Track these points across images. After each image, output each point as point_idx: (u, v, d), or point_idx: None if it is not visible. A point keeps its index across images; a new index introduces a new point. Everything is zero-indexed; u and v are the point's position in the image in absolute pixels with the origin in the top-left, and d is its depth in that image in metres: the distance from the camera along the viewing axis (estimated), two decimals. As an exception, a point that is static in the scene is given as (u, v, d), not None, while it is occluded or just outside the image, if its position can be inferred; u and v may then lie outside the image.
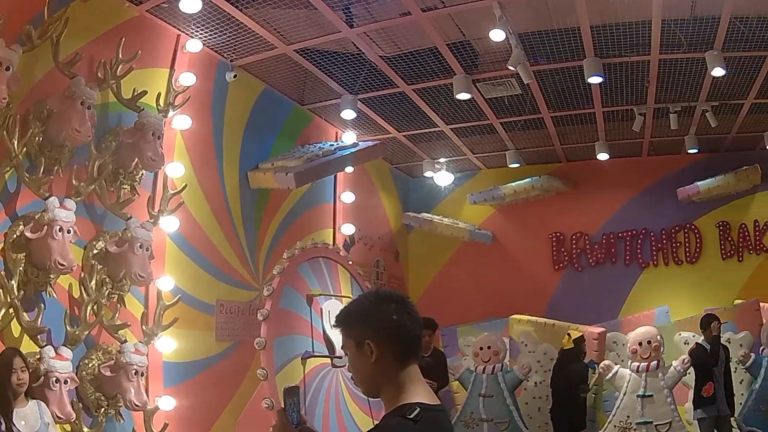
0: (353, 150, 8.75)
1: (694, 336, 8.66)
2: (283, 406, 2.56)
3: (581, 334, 8.26)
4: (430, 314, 11.49)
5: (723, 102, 9.43)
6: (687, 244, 12.15)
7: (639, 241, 12.23)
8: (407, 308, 2.44)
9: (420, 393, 2.32)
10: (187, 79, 6.33)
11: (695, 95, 9.13)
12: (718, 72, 7.66)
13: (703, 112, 9.51)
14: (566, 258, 12.40)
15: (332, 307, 6.84)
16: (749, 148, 11.79)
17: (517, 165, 11.57)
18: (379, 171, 11.66)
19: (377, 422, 2.34)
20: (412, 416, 2.17)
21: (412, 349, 2.41)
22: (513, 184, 11.94)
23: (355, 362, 2.42)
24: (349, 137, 9.27)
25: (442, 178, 11.54)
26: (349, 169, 9.37)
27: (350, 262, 7.76)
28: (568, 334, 8.22)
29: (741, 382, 8.31)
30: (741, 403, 8.11)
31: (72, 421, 4.72)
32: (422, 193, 12.68)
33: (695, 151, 11.10)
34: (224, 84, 7.18)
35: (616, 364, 8.19)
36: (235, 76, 7.15)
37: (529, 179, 11.86)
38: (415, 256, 12.77)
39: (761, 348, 8.18)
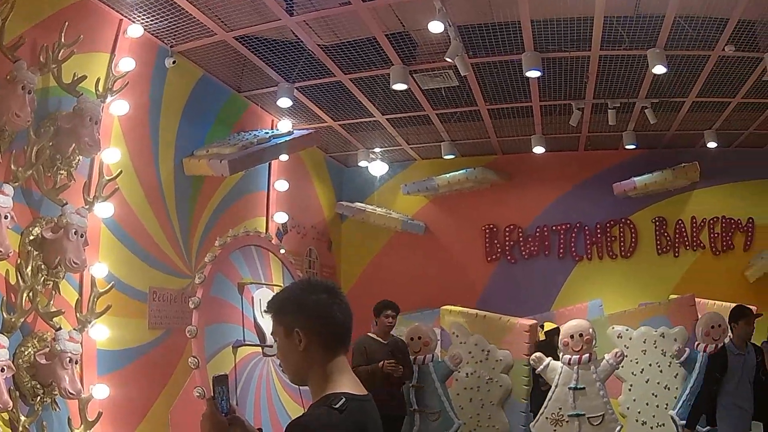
0: (288, 138, 9.14)
1: (627, 329, 9.28)
2: (212, 394, 2.64)
3: (555, 326, 8.63)
4: (361, 304, 11.87)
5: (663, 99, 10.07)
6: (622, 239, 12.92)
7: (573, 235, 12.95)
8: (338, 298, 2.57)
9: (346, 383, 2.45)
10: (126, 64, 6.60)
11: (635, 92, 9.75)
12: (660, 70, 8.21)
13: (642, 109, 10.15)
14: (499, 250, 13.04)
15: (263, 296, 7.27)
16: (689, 145, 12.60)
17: (452, 156, 12.14)
18: (314, 160, 12.10)
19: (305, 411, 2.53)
20: (337, 406, 2.29)
21: (340, 340, 2.55)
22: (447, 175, 12.51)
23: (283, 350, 2.56)
24: (284, 125, 9.67)
25: (377, 168, 12.06)
26: (284, 157, 9.72)
27: (282, 251, 8.20)
28: (541, 326, 8.75)
29: (676, 377, 8.83)
30: (676, 398, 8.59)
31: (9, 409, 4.87)
32: (356, 183, 13.19)
33: (633, 147, 11.77)
34: (163, 70, 7.42)
35: (548, 356, 8.60)
36: (174, 62, 7.40)
37: (464, 171, 12.45)
38: (348, 245, 13.27)
39: (695, 343, 8.62)
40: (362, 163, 12.32)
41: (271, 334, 2.64)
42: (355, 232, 13.24)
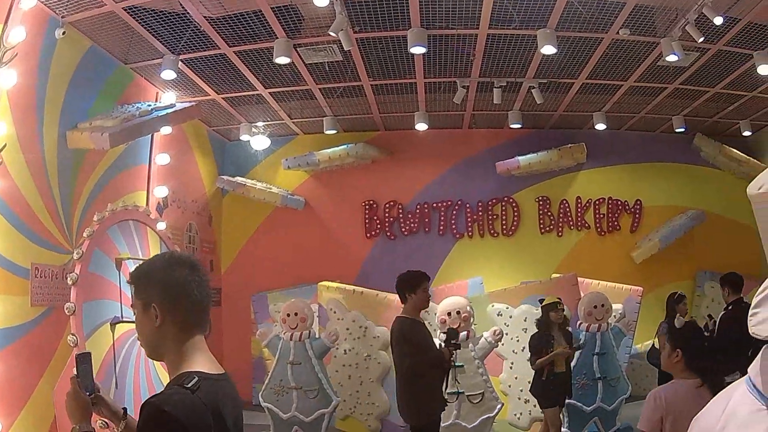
0: (169, 111, 9.82)
1: (507, 308, 10.21)
2: (75, 373, 2.77)
3: (554, 300, 8.80)
4: (240, 280, 13.30)
5: (552, 80, 11.08)
6: (504, 217, 14.05)
7: (454, 212, 14.03)
8: (198, 275, 2.68)
9: (201, 362, 2.58)
10: (17, 34, 6.95)
11: (523, 71, 10.70)
12: (549, 50, 9.12)
13: (529, 89, 11.12)
14: (379, 226, 14.00)
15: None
16: (577, 127, 13.81)
17: (334, 132, 13.02)
18: (197, 133, 12.80)
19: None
20: (189, 385, 2.38)
21: (197, 318, 2.67)
22: (328, 150, 13.36)
23: (140, 324, 2.65)
24: (168, 98, 10.42)
25: (259, 142, 12.69)
26: (166, 130, 10.39)
27: (161, 226, 8.88)
28: (540, 300, 9.01)
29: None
30: None
31: None
32: (239, 157, 13.95)
33: (518, 126, 12.83)
34: (53, 41, 7.91)
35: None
36: (63, 33, 7.90)
37: (345, 146, 13.31)
38: (228, 220, 14.01)
39: (578, 322, 9.30)
40: (244, 137, 12.95)
41: (131, 306, 2.73)
42: (236, 207, 13.96)
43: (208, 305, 2.72)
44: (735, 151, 14.10)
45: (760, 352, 1.49)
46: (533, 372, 8.60)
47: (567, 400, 8.78)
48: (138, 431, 2.38)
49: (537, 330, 8.72)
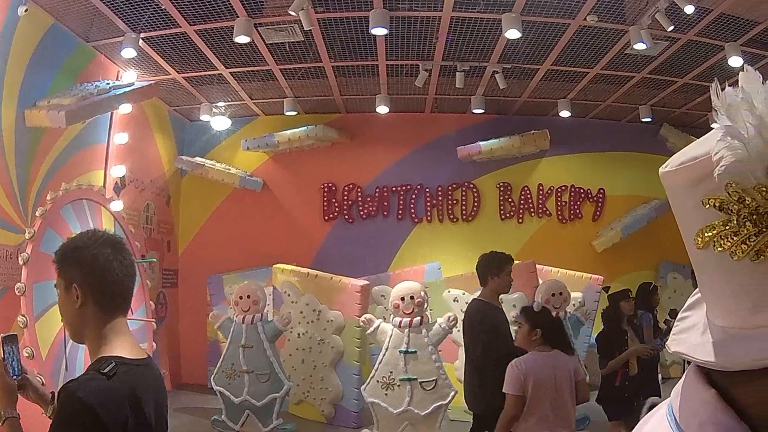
0: (128, 89, 10.03)
1: (464, 293, 10.28)
2: (2, 355, 2.70)
3: (624, 289, 8.53)
4: (197, 261, 13.57)
5: (516, 65, 11.26)
6: (464, 202, 14.28)
7: (413, 196, 14.23)
8: (122, 255, 2.63)
9: (121, 346, 2.53)
10: None
11: (487, 56, 10.88)
12: (513, 34, 9.24)
13: (493, 74, 11.31)
14: (337, 209, 14.20)
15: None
16: (541, 114, 14.05)
17: (294, 113, 13.20)
18: (157, 113, 12.93)
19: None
20: (106, 371, 2.35)
21: (118, 301, 2.62)
22: (288, 131, 13.52)
23: (62, 304, 2.62)
24: (129, 77, 10.58)
25: (219, 122, 12.85)
26: (125, 109, 10.52)
27: (117, 206, 9.10)
28: (605, 289, 8.70)
29: (513, 342, 9.92)
30: None
31: None
32: (199, 138, 14.07)
33: (481, 111, 12.99)
34: (15, 18, 7.93)
35: (382, 318, 9.33)
36: (26, 11, 7.91)
37: (305, 128, 13.46)
38: (186, 201, 14.17)
39: None
40: (204, 118, 13.06)
41: (55, 286, 2.68)
42: (195, 188, 14.09)
43: (131, 287, 2.67)
44: None
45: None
46: (601, 378, 8.11)
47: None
48: (55, 416, 2.39)
49: (604, 325, 8.43)
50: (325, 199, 14.12)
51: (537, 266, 10.97)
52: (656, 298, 9.80)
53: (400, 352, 8.42)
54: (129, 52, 9.62)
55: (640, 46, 9.22)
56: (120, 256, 2.59)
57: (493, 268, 6.82)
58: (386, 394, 8.47)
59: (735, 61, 9.87)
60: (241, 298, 9.35)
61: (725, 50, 9.95)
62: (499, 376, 5.50)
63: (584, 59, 10.92)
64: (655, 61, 10.90)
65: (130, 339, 2.62)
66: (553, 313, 8.76)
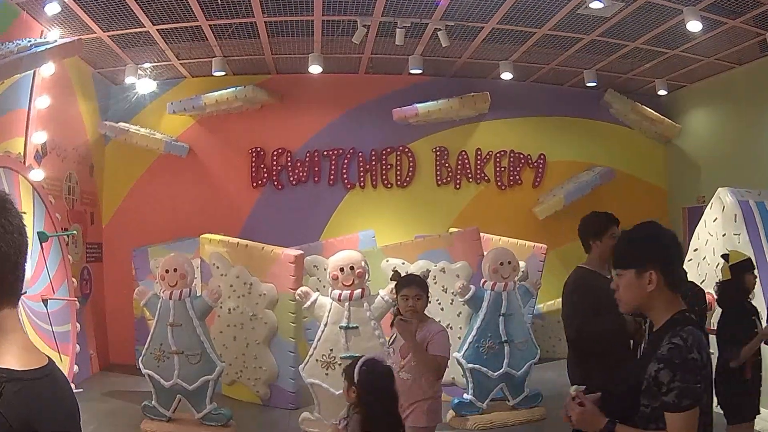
0: (49, 46, 9.29)
1: (403, 263, 9.88)
2: None
3: (745, 257, 7.02)
4: (122, 233, 13.07)
5: (460, 23, 10.90)
6: (399, 167, 14.01)
7: (346, 161, 13.92)
8: (6, 219, 1.89)
9: (9, 352, 1.84)
10: None
11: (429, 13, 10.51)
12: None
13: (435, 31, 10.97)
14: (266, 175, 13.80)
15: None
16: (480, 76, 13.78)
17: (223, 73, 12.68)
18: (81, 76, 12.23)
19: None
20: None
21: (4, 284, 1.90)
22: (215, 93, 13.03)
23: None
24: (53, 35, 9.92)
25: (144, 85, 12.46)
26: (48, 69, 9.92)
27: (36, 176, 8.50)
28: (724, 257, 7.07)
29: (459, 315, 9.64)
30: (460, 338, 9.19)
31: None
32: (125, 102, 13.36)
33: (419, 71, 12.66)
34: None
35: (316, 290, 8.88)
36: None
37: (233, 89, 13.00)
38: (111, 169, 13.52)
39: (482, 281, 9.01)
40: (129, 80, 12.55)
41: None
42: (119, 156, 13.46)
43: (20, 261, 1.90)
44: (648, 109, 14.41)
45: None
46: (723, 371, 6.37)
47: (472, 365, 8.70)
48: None
49: (724, 304, 6.88)
50: (254, 164, 13.72)
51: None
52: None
53: (341, 327, 8.07)
54: (53, 8, 9.08)
55: (596, 5, 9.02)
56: (3, 221, 1.85)
57: (593, 232, 5.92)
58: (327, 374, 8.12)
59: (693, 26, 9.81)
60: (167, 272, 8.70)
61: (683, 14, 9.78)
62: (600, 357, 5.06)
63: (533, 18, 10.64)
64: (608, 23, 10.66)
65: (21, 340, 1.90)
66: (502, 284, 8.72)
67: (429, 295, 5.87)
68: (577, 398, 3.10)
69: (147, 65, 12.37)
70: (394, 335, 5.67)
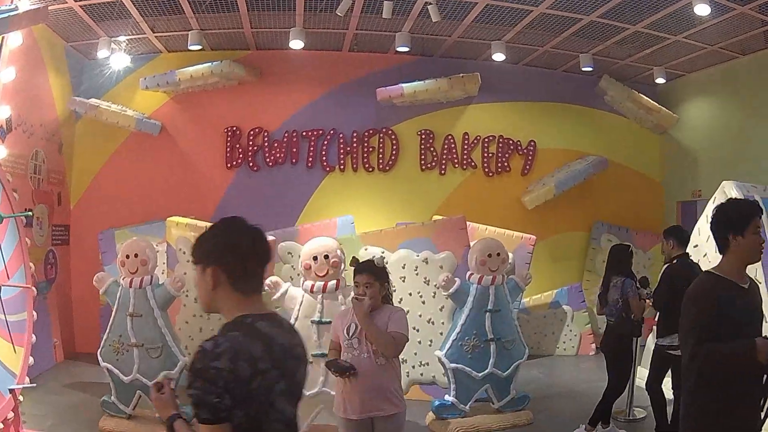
0: (12, 13, 8.77)
1: (383, 252, 9.30)
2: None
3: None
4: (91, 215, 12.56)
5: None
6: (381, 150, 13.63)
7: (325, 142, 13.51)
8: None
9: None
10: None
11: (420, -16, 10.17)
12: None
13: (425, 5, 10.53)
14: (241, 156, 13.37)
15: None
16: (470, 57, 13.48)
17: (199, 47, 12.26)
18: (53, 49, 11.84)
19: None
20: None
21: None
22: (190, 68, 12.56)
23: None
24: (23, 4, 9.31)
25: (119, 59, 12.01)
26: (15, 41, 9.49)
27: None
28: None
29: (441, 310, 9.01)
30: (442, 334, 8.75)
31: None
32: (98, 77, 12.89)
33: (406, 49, 12.29)
34: None
35: (290, 278, 8.52)
36: None
37: (209, 64, 12.53)
38: (81, 147, 13.05)
39: (468, 273, 8.56)
40: (102, 54, 12.07)
41: None
42: (90, 134, 12.98)
43: None
44: (645, 97, 14.11)
45: None
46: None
47: (455, 365, 8.20)
48: None
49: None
50: (229, 144, 13.31)
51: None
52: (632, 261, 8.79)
53: (313, 322, 7.65)
54: (23, -26, 8.61)
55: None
56: None
57: (732, 225, 4.37)
58: None
59: (701, 9, 9.60)
60: (127, 257, 8.23)
61: None
62: (723, 391, 3.96)
63: None
64: (610, 3, 10.33)
65: None
66: (490, 278, 8.26)
67: (388, 282, 5.56)
68: (163, 385, 2.97)
69: (122, 38, 11.89)
70: (351, 324, 5.31)
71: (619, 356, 8.11)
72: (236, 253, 2.87)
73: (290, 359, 2.81)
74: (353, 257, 5.87)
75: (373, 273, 5.41)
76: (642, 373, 8.84)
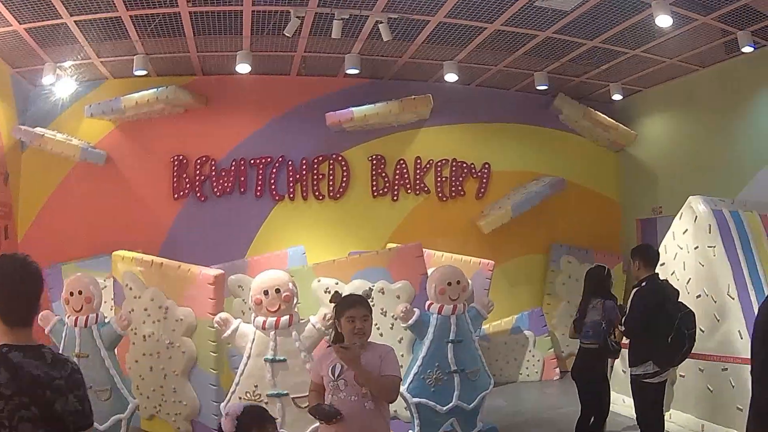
0: None
1: (337, 283, 9.05)
2: None
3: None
4: (40, 249, 11.57)
5: (404, 15, 10.35)
6: (331, 177, 13.40)
7: (274, 170, 13.25)
8: None
9: None
10: None
11: (370, 4, 9.96)
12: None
13: (375, 26, 10.44)
14: (188, 186, 13.04)
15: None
16: (420, 79, 13.36)
17: (144, 72, 11.98)
18: None
19: None
20: None
21: None
22: (135, 94, 12.25)
23: None
24: None
25: (64, 86, 11.80)
26: None
27: None
28: None
29: (400, 342, 8.74)
30: (402, 367, 8.02)
31: None
32: (44, 105, 12.58)
33: (355, 71, 12.08)
34: None
35: (242, 313, 8.31)
36: None
37: (154, 90, 12.23)
38: (28, 178, 12.67)
39: (427, 303, 8.20)
40: (48, 79, 11.76)
41: None
42: (36, 163, 12.60)
43: None
44: (602, 115, 14.09)
45: None
46: None
47: (418, 400, 7.80)
48: None
49: None
50: (175, 173, 12.99)
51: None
52: (611, 282, 8.74)
53: (266, 360, 7.28)
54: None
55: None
56: None
57: None
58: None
59: (662, 21, 9.55)
60: (71, 294, 7.85)
61: (652, 8, 9.49)
62: None
63: (485, 11, 10.16)
64: (567, 18, 10.27)
65: None
66: (450, 307, 7.90)
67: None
68: None
69: (67, 63, 11.65)
70: (336, 365, 4.90)
71: (603, 378, 8.02)
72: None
73: (46, 389, 2.84)
74: (335, 292, 5.45)
75: (366, 306, 5.11)
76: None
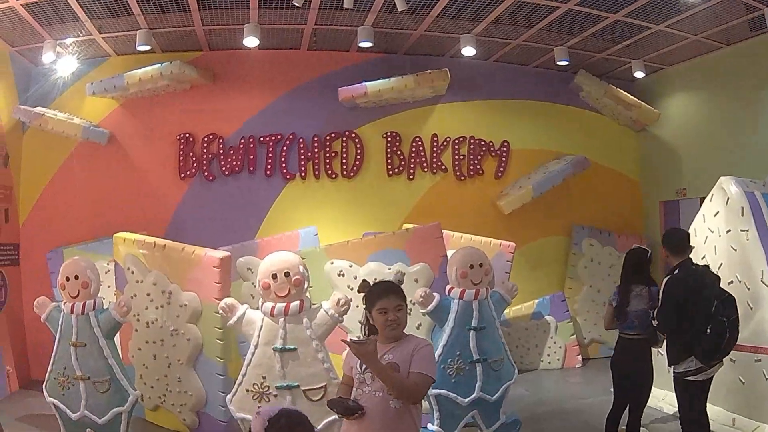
0: None
1: (351, 266, 8.77)
2: None
3: None
4: (41, 233, 12.04)
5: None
6: (345, 155, 13.02)
7: (285, 148, 12.87)
8: None
9: None
10: None
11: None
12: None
13: None
14: (195, 165, 12.70)
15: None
16: (437, 53, 13.00)
17: (147, 47, 11.66)
18: None
19: None
20: None
21: None
22: (139, 71, 11.90)
23: None
24: None
25: (65, 64, 11.58)
26: None
27: None
28: None
29: (418, 328, 8.31)
30: None
31: None
32: (46, 84, 12.26)
33: (368, 44, 11.73)
34: None
35: (250, 298, 8.03)
36: None
37: (158, 65, 11.85)
38: (29, 159, 12.38)
39: (448, 287, 7.86)
40: (48, 57, 11.42)
41: None
42: (38, 144, 12.30)
43: None
44: (624, 93, 13.69)
45: None
46: None
47: (438, 391, 7.37)
48: None
49: None
50: (182, 152, 12.63)
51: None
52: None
53: (275, 350, 6.86)
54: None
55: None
56: None
57: None
58: (259, 407, 6.44)
59: None
60: (67, 279, 7.54)
61: None
62: None
63: None
64: None
65: None
66: (473, 291, 7.50)
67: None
68: None
69: (68, 41, 11.33)
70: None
71: (650, 371, 7.45)
72: None
73: None
74: (363, 280, 4.93)
75: (400, 294, 4.63)
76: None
